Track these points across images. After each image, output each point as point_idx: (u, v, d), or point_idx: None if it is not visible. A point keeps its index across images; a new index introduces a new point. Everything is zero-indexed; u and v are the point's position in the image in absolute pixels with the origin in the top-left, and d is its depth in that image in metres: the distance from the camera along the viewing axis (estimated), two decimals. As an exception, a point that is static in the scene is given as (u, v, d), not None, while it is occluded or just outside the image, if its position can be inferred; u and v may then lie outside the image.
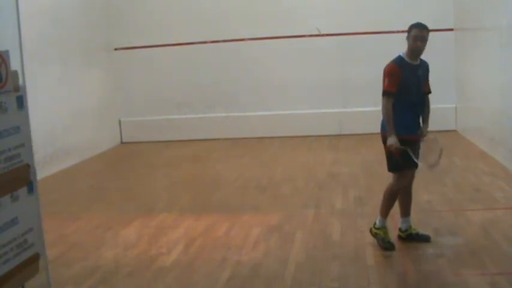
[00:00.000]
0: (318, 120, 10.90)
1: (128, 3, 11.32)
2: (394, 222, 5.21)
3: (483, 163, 7.86)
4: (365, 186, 7.09)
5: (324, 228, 5.62)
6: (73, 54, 9.92)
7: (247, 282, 4.48)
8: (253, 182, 7.72)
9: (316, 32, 10.74)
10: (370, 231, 5.09)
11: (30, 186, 3.79)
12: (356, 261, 4.76)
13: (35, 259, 3.82)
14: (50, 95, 8.81)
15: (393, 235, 5.06)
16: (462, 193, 6.53)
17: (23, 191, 3.71)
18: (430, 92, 4.97)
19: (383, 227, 5.00)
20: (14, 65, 3.72)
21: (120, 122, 11.58)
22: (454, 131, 10.33)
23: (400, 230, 5.09)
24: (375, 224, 5.06)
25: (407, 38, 4.75)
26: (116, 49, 11.38)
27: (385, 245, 4.91)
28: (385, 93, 4.74)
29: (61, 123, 9.37)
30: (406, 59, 4.78)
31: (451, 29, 10.39)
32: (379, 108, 4.80)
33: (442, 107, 9.36)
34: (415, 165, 4.89)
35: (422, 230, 5.11)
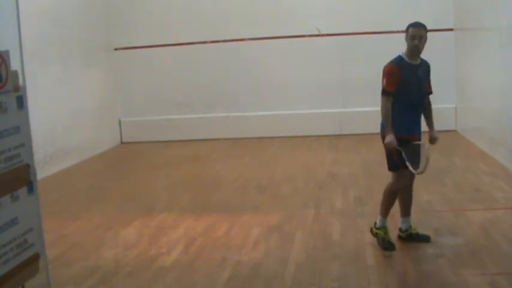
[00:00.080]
0: (318, 120, 10.90)
1: (128, 3, 11.32)
2: (394, 222, 5.22)
3: (483, 163, 7.86)
4: (365, 186, 7.09)
5: (324, 228, 5.62)
6: (73, 54, 9.91)
7: (247, 282, 4.48)
8: (253, 182, 7.72)
9: (316, 32, 10.75)
10: (371, 230, 5.10)
11: (30, 186, 3.79)
12: (356, 261, 4.76)
13: (35, 259, 3.81)
14: (50, 95, 8.82)
15: (393, 235, 5.06)
16: (462, 193, 6.53)
17: (23, 191, 3.71)
18: (431, 93, 4.97)
19: (383, 227, 5.00)
20: (14, 65, 3.72)
21: (120, 122, 11.58)
22: (454, 131, 10.34)
23: (400, 230, 5.09)
24: (375, 223, 5.06)
25: (406, 37, 4.77)
26: (116, 49, 11.38)
27: (385, 245, 4.92)
28: (384, 93, 4.75)
29: (61, 123, 9.37)
30: (406, 58, 4.79)
31: (451, 29, 10.39)
32: (379, 108, 4.81)
33: (442, 107, 9.35)
34: (415, 166, 4.91)
35: (422, 230, 5.11)
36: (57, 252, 5.23)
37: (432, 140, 4.92)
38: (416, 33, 4.70)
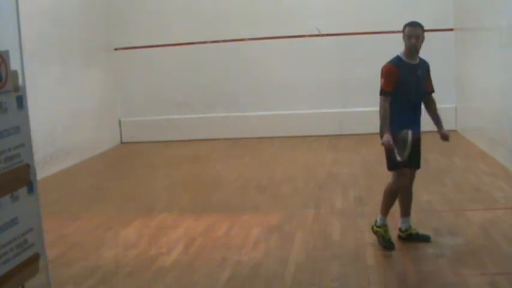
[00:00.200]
0: (318, 120, 10.90)
1: (128, 3, 11.32)
2: (394, 222, 5.22)
3: (483, 163, 7.86)
4: (365, 186, 7.09)
5: (324, 228, 5.62)
6: (73, 54, 9.91)
7: (247, 282, 4.48)
8: (253, 182, 7.72)
9: (316, 32, 10.74)
10: (372, 229, 5.10)
11: (30, 186, 3.79)
12: (356, 261, 4.76)
13: (35, 259, 3.81)
14: (50, 95, 8.81)
15: (393, 235, 5.06)
16: (462, 193, 6.53)
17: (23, 191, 3.71)
18: (433, 91, 4.97)
19: (383, 225, 5.01)
20: (14, 65, 3.72)
21: (120, 122, 11.58)
22: (454, 131, 10.31)
23: (400, 230, 5.09)
24: (376, 221, 5.07)
25: (403, 37, 4.78)
26: (116, 49, 11.38)
27: (385, 243, 4.92)
28: (382, 93, 4.77)
29: (61, 123, 9.36)
30: (404, 58, 4.79)
31: (451, 29, 10.39)
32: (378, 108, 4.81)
33: (442, 107, 9.17)
34: (416, 166, 4.92)
35: (422, 230, 5.11)
36: (57, 252, 5.23)
37: (443, 138, 4.91)
38: (413, 32, 4.70)
